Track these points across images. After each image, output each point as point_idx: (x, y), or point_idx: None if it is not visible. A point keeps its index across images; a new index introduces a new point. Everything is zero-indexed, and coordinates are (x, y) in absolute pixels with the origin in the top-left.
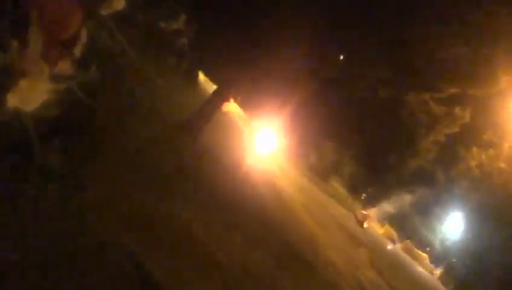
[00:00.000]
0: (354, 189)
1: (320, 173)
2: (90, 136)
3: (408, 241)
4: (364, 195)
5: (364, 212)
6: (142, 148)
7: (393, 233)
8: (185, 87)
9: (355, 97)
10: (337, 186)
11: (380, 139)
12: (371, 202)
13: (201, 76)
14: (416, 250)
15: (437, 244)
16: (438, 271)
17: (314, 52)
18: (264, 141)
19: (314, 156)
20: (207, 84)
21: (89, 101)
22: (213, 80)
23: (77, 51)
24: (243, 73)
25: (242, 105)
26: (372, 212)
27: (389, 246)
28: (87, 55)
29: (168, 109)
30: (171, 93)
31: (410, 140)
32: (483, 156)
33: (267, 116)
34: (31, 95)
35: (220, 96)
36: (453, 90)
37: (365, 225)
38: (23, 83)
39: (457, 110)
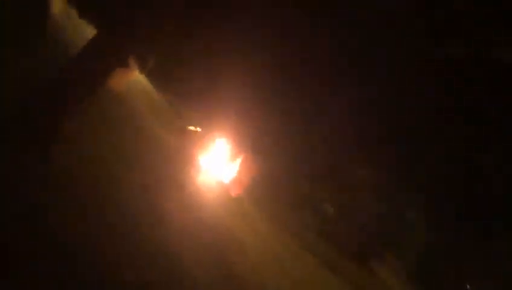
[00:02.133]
0: (434, 284)
1: (346, 242)
2: None
3: None
4: None
5: None
6: None
7: None
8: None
9: (428, 63)
10: (390, 277)
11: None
12: None
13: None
14: None
15: None
16: None
17: None
18: (210, 161)
19: (330, 205)
20: (73, 24)
21: None
22: (88, 14)
23: None
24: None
25: (159, 80)
26: None
27: None
28: None
29: None
30: None
31: None
32: None
33: (218, 107)
34: None
35: (105, 55)
36: None
37: None
38: None
39: None
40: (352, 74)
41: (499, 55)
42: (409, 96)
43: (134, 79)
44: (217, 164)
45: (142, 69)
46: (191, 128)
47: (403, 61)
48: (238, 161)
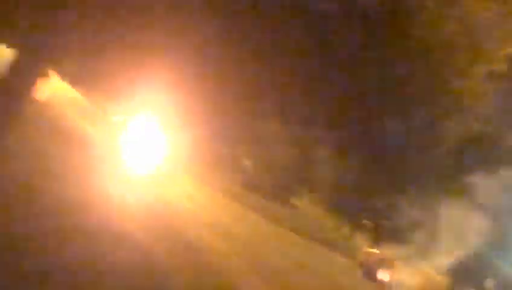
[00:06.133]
0: (347, 210)
1: (268, 188)
2: None
3: None
4: (366, 221)
5: (375, 250)
6: None
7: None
8: None
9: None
10: (308, 208)
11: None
12: (387, 232)
13: None
14: None
15: None
16: None
17: None
18: (144, 151)
19: (249, 160)
20: None
21: None
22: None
23: None
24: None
25: (81, 83)
26: (392, 250)
27: None
28: None
29: None
30: None
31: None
32: None
33: (140, 96)
34: None
35: (25, 73)
36: None
37: (381, 276)
38: None
39: None
40: None
41: None
42: None
43: (57, 87)
44: (146, 146)
45: (63, 76)
46: (117, 118)
47: None
48: (171, 142)
